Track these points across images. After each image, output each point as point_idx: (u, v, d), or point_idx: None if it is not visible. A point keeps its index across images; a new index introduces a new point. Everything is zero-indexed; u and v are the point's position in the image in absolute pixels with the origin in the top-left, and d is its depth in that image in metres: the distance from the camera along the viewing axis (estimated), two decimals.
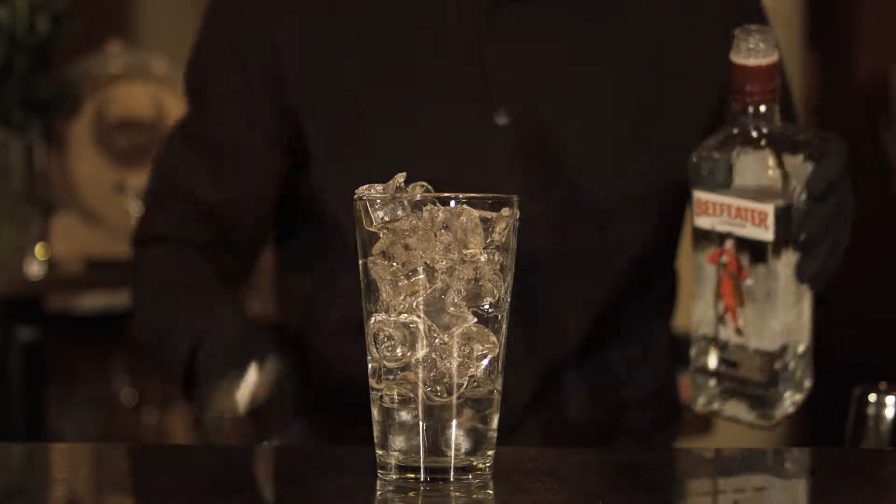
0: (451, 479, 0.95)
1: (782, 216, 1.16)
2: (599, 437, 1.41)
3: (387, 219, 0.95)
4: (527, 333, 1.36)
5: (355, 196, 0.97)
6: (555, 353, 1.39)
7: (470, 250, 0.94)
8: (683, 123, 1.38)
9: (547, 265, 1.36)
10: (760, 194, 1.16)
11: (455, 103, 1.37)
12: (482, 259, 0.94)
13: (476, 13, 1.37)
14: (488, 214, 0.95)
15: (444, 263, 0.93)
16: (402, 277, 0.94)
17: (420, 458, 0.94)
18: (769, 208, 1.15)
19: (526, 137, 1.36)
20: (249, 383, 1.21)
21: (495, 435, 0.97)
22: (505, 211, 0.95)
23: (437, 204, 0.94)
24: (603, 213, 1.37)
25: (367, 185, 0.97)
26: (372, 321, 0.95)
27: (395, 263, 0.94)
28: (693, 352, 1.23)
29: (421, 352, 0.93)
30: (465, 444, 0.95)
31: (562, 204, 1.36)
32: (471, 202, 0.94)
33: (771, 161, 1.17)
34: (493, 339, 0.94)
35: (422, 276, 0.94)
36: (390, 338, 0.94)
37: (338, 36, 1.38)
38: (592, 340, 1.40)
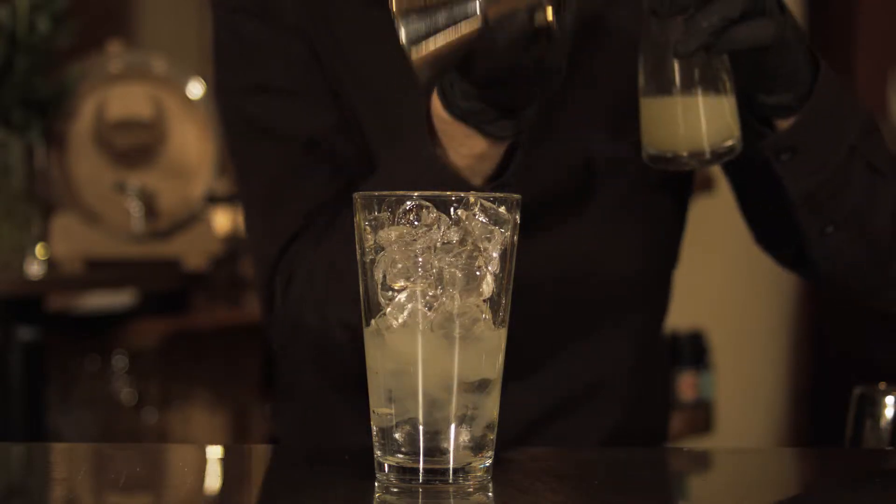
0: (450, 481, 0.95)
1: None
2: (603, 441, 1.41)
3: (388, 221, 0.95)
4: (529, 356, 1.36)
5: (354, 196, 0.97)
6: (552, 355, 1.39)
7: (472, 251, 0.94)
8: None
9: (541, 287, 1.36)
10: None
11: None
12: (487, 265, 0.94)
13: None
14: (492, 207, 0.95)
15: (446, 266, 0.94)
16: (401, 279, 0.94)
17: (419, 460, 0.95)
18: None
19: None
20: None
21: (495, 436, 0.97)
22: (507, 212, 0.95)
23: (435, 207, 0.94)
24: (594, 232, 1.37)
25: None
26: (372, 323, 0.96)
27: (393, 265, 0.94)
28: None
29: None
30: (463, 446, 0.95)
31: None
32: (474, 202, 0.94)
33: None
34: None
35: (421, 279, 0.94)
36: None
37: (328, 54, 1.37)
38: (596, 359, 1.40)
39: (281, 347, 1.40)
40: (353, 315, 1.12)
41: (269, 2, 1.36)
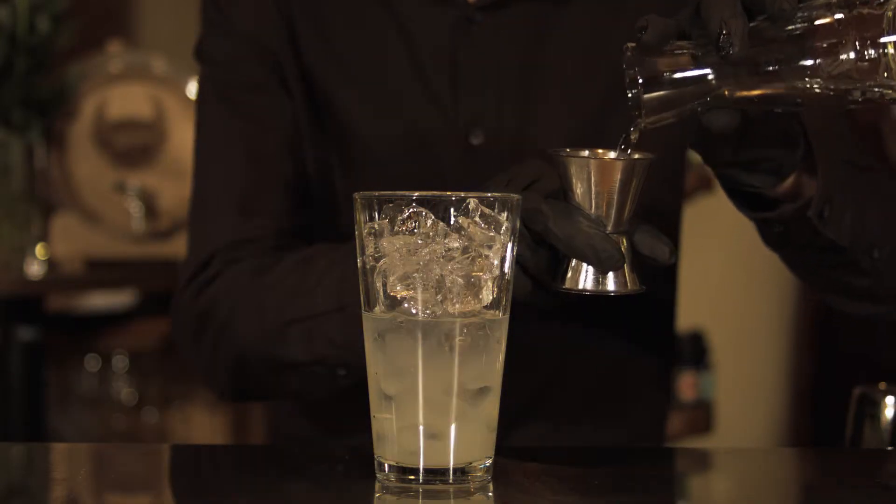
0: (450, 481, 0.95)
1: None
2: (594, 430, 1.41)
3: (387, 222, 0.95)
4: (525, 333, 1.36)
5: (354, 195, 0.97)
6: (552, 354, 1.39)
7: (473, 257, 0.94)
8: (665, 134, 1.35)
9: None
10: None
11: (428, 123, 1.35)
12: (488, 271, 0.94)
13: (447, 29, 1.34)
14: (492, 214, 0.95)
15: (447, 273, 0.93)
16: (402, 286, 0.94)
17: (419, 460, 0.94)
18: None
19: (501, 157, 1.35)
20: None
21: (495, 435, 0.97)
22: (507, 217, 0.95)
23: (435, 212, 0.94)
24: None
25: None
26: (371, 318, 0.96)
27: (394, 273, 0.94)
28: None
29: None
30: (464, 445, 0.95)
31: None
32: (474, 209, 0.94)
33: None
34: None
35: (422, 285, 0.94)
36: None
37: (314, 50, 1.37)
38: (591, 337, 1.40)
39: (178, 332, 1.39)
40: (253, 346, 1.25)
41: (231, 18, 1.38)
